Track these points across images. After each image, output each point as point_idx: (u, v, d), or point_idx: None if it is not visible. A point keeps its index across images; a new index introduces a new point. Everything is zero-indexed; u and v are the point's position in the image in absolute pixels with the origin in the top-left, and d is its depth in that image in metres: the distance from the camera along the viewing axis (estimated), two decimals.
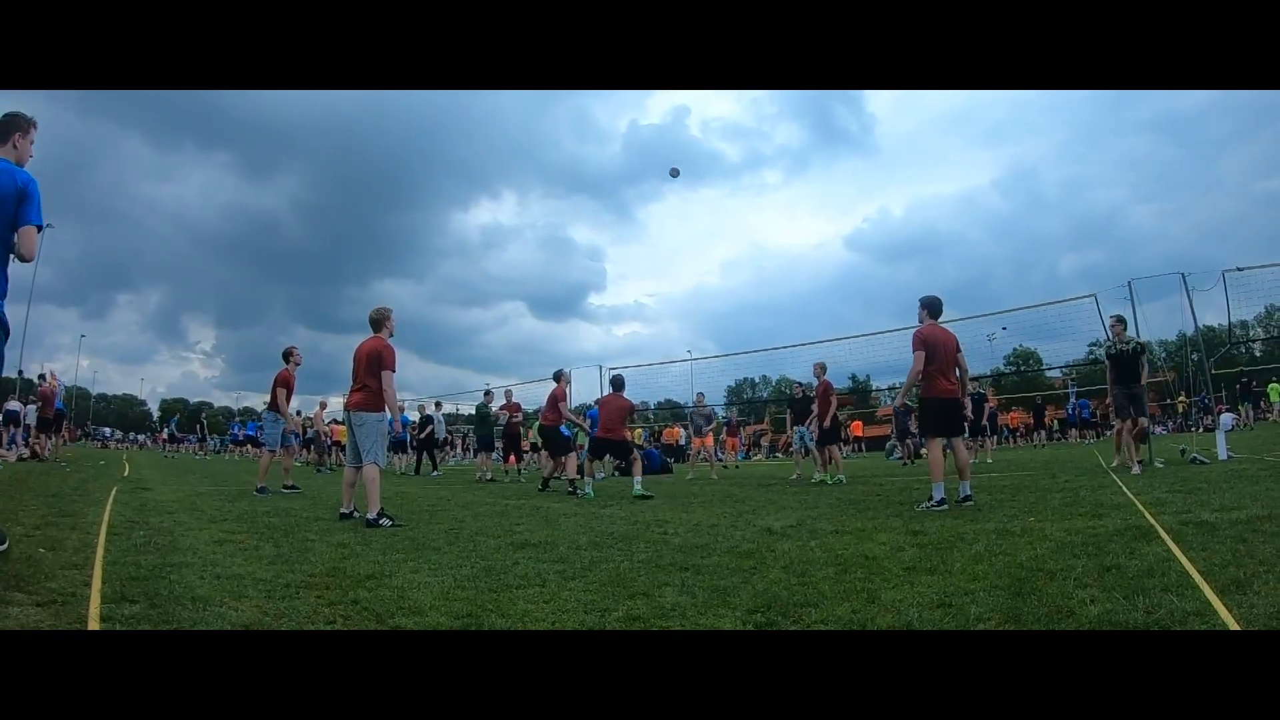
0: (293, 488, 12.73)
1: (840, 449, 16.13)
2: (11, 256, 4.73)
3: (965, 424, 16.62)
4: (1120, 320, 12.82)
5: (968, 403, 16.84)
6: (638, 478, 12.87)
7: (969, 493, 8.63)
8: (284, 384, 12.85)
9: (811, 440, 15.81)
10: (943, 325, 9.28)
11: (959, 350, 9.23)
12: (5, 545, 5.42)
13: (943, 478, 8.56)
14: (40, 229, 4.77)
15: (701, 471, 19.28)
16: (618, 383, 14.32)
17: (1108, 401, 15.28)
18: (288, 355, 13.02)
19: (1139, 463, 11.96)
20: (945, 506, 8.30)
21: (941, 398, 8.97)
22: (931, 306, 9.30)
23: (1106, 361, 13.05)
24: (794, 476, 16.12)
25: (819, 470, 15.30)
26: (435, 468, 22.72)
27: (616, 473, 13.45)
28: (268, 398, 13.34)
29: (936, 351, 8.90)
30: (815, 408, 15.56)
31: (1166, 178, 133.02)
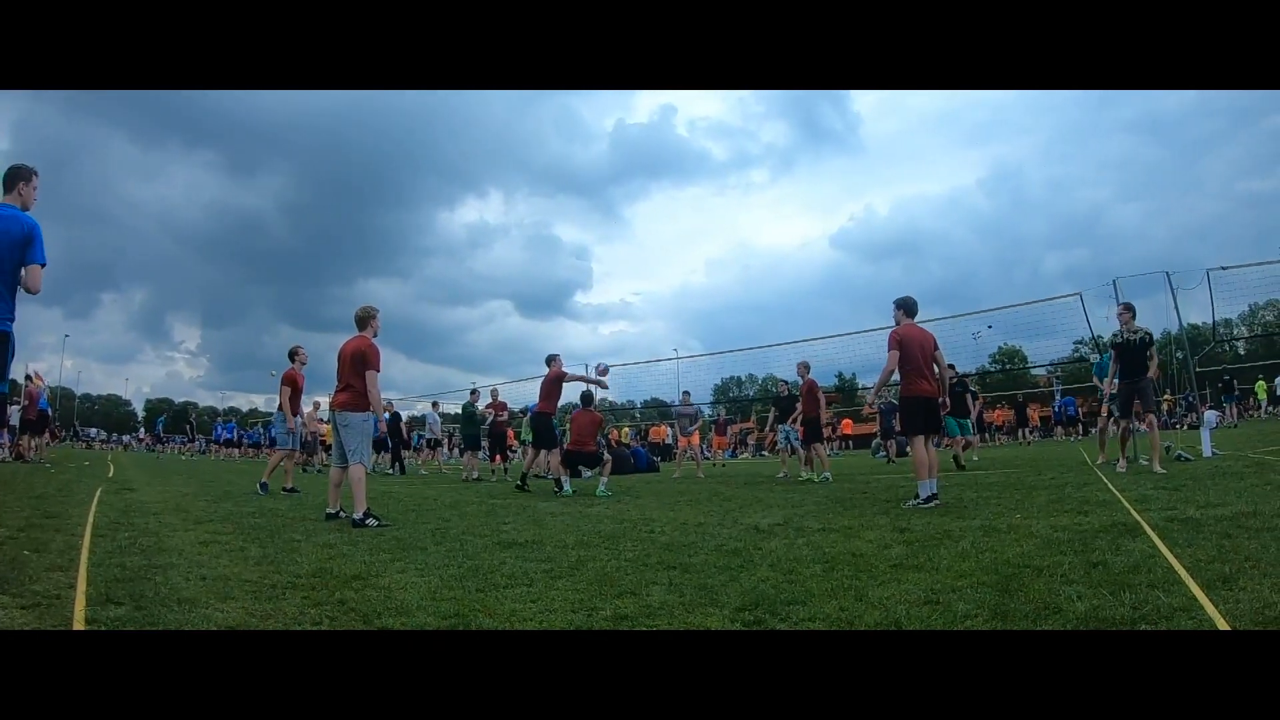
0: (292, 490, 12.61)
1: (825, 447, 16.12)
2: (20, 288, 5.34)
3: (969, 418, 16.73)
4: (1128, 308, 11.79)
5: (968, 401, 16.83)
6: (604, 478, 12.97)
7: (934, 490, 8.62)
8: (288, 383, 12.75)
9: (797, 439, 15.85)
10: (921, 325, 9.32)
11: (937, 349, 9.26)
12: None
13: (928, 475, 8.60)
14: (44, 266, 5.40)
15: (688, 470, 19.27)
16: (587, 398, 14.48)
17: (1103, 395, 14.53)
18: (293, 355, 12.91)
19: (1124, 459, 11.80)
20: (933, 503, 8.34)
21: (921, 396, 9.00)
22: (907, 306, 9.33)
23: (1111, 351, 12.13)
24: (780, 475, 16.16)
25: (805, 468, 15.39)
26: (394, 465, 22.39)
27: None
28: (255, 397, 13.29)
29: (912, 350, 8.96)
30: (800, 406, 15.59)
31: (1150, 178, 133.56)
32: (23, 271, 5.32)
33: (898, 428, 18.62)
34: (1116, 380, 11.76)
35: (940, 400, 9.32)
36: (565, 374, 14.39)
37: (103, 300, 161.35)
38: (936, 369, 9.23)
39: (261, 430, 45.54)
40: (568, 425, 14.54)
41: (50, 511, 8.05)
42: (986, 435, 30.71)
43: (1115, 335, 11.87)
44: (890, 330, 9.31)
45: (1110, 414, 13.85)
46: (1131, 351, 11.45)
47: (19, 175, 5.51)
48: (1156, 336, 11.31)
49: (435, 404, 27.74)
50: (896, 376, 9.26)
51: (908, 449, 10.43)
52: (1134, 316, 11.67)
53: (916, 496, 8.57)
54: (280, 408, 13.09)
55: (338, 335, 9.42)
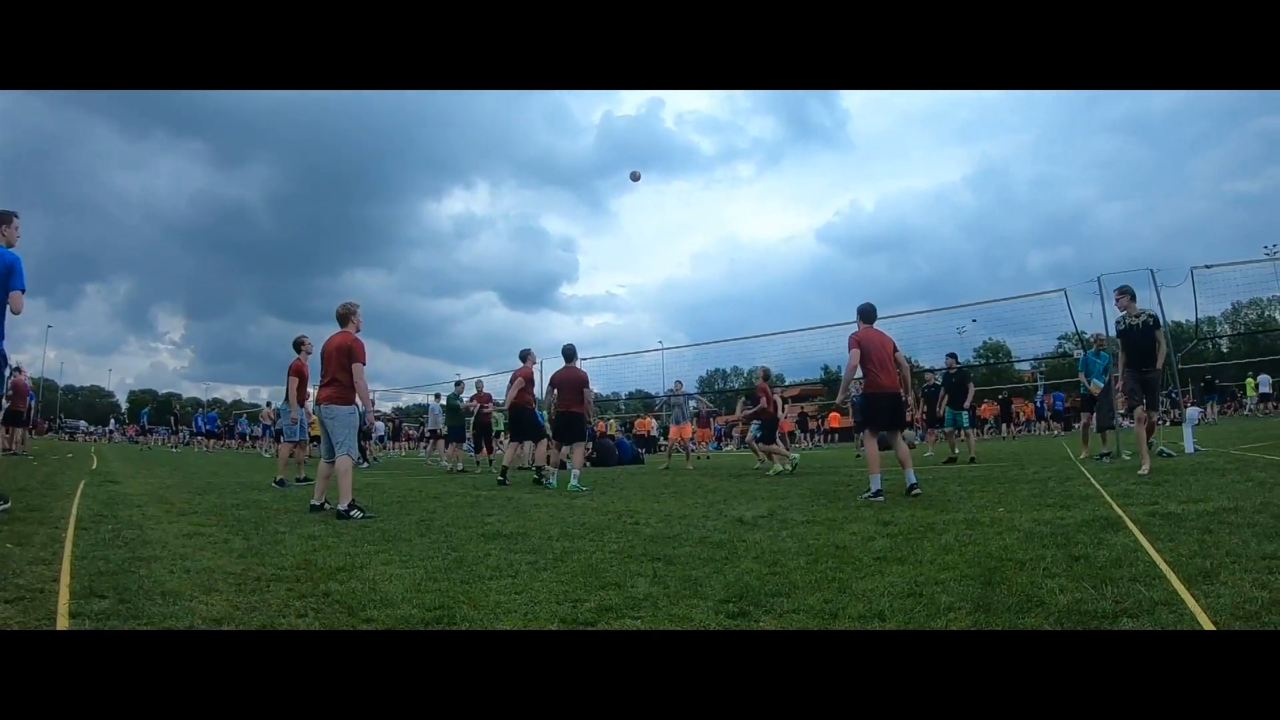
0: (293, 482, 12.52)
1: (780, 444, 16.36)
2: (8, 310, 6.68)
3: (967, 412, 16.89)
4: (1124, 292, 10.81)
5: (968, 390, 16.96)
6: (576, 469, 12.32)
7: (914, 480, 8.84)
8: (295, 374, 12.65)
9: (759, 433, 16.16)
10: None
11: (896, 350, 9.55)
12: (8, 505, 7.29)
13: (879, 469, 8.83)
14: (24, 291, 6.79)
15: (677, 462, 19.30)
16: (569, 353, 13.28)
17: (1085, 391, 14.05)
18: (298, 345, 12.77)
19: (1147, 459, 10.15)
20: (882, 498, 8.51)
21: (883, 392, 9.26)
22: (863, 313, 9.67)
23: (1118, 340, 10.94)
24: (756, 466, 16.36)
25: (768, 460, 15.89)
26: (365, 459, 22.07)
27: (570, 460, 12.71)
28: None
29: (871, 351, 9.25)
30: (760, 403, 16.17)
31: (1136, 177, 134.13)
32: (8, 298, 6.64)
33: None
34: (1123, 371, 10.77)
35: (904, 398, 9.65)
36: (515, 381, 14.26)
37: (87, 291, 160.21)
38: (898, 369, 9.49)
39: (247, 422, 45.39)
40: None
41: (33, 504, 8.01)
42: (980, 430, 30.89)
43: (1119, 322, 10.88)
44: (850, 333, 9.60)
45: (1092, 410, 13.92)
46: (1136, 337, 10.52)
47: (1, 219, 6.87)
48: None
49: (437, 395, 27.66)
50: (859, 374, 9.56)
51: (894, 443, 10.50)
52: (1134, 300, 10.81)
53: (869, 489, 8.75)
54: (287, 399, 13.02)
55: (324, 327, 9.38)
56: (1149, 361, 10.38)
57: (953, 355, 17.80)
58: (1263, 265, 23.01)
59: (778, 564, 4.97)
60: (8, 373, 6.78)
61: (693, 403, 22.71)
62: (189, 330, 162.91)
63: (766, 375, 16.79)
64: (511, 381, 14.30)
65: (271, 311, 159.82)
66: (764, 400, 15.86)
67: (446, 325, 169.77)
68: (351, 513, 7.90)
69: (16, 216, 7.00)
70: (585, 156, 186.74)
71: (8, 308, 6.68)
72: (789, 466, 14.89)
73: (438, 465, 20.88)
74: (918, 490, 8.64)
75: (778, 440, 16.28)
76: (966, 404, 16.81)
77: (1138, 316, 10.56)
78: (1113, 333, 11.30)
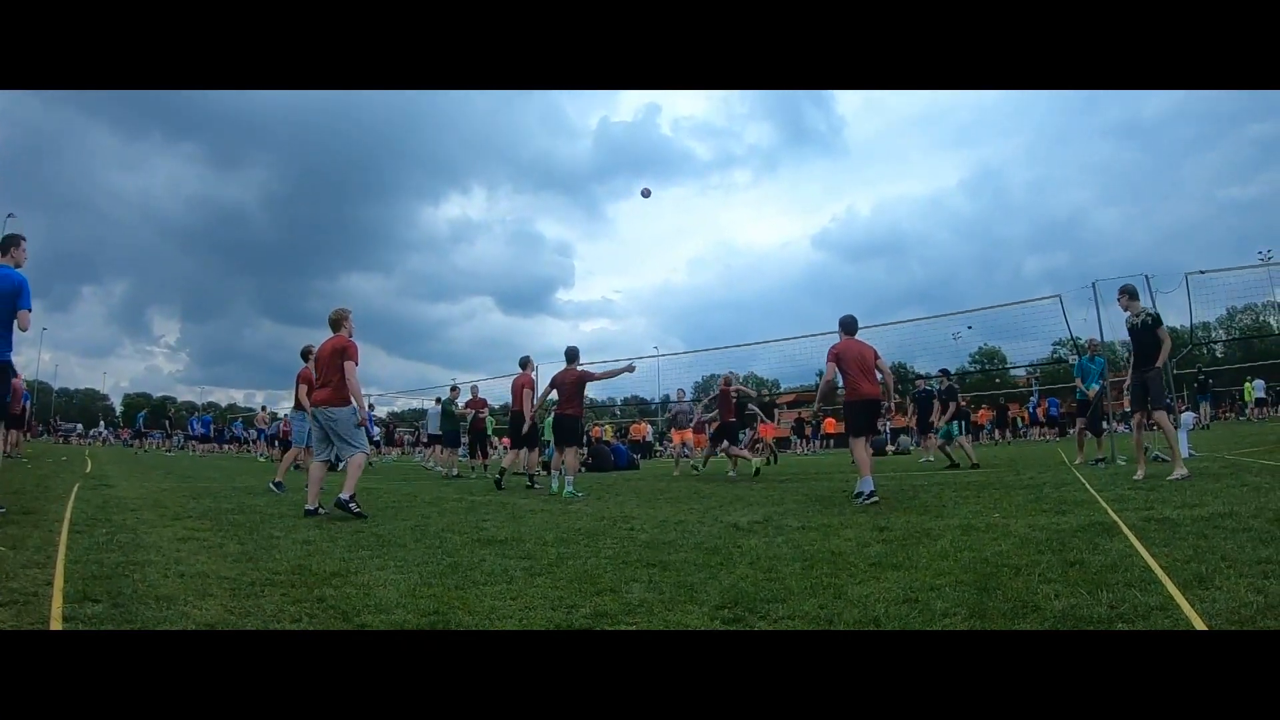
0: (278, 485, 12.50)
1: (739, 447, 16.66)
2: (15, 327, 7.18)
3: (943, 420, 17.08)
4: (1125, 291, 10.53)
5: (956, 408, 17.25)
6: (570, 475, 12.14)
7: (872, 487, 9.03)
8: (304, 381, 12.65)
9: (742, 438, 16.40)
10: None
11: (877, 358, 9.78)
12: (3, 509, 7.36)
13: (870, 472, 9.03)
14: (29, 311, 7.23)
15: (670, 467, 19.33)
16: (571, 354, 12.99)
17: (1081, 395, 14.05)
18: (306, 354, 12.76)
19: (1142, 466, 10.43)
20: (875, 499, 8.67)
21: (863, 400, 9.63)
22: (844, 325, 10.01)
23: (1130, 341, 10.63)
24: (730, 473, 16.44)
25: (748, 459, 16.24)
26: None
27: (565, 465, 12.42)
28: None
29: (850, 361, 9.56)
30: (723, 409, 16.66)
31: (1131, 182, 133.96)
32: (15, 316, 7.10)
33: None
34: (1132, 371, 10.46)
35: (886, 403, 10.15)
36: (528, 388, 14.29)
37: (82, 293, 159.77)
38: (881, 376, 9.84)
39: (242, 425, 45.31)
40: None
41: (27, 508, 7.99)
42: (975, 436, 31.03)
43: (1126, 322, 10.54)
44: (830, 346, 9.97)
45: (1088, 415, 13.97)
46: (1138, 336, 10.28)
47: (10, 242, 7.42)
48: None
49: (438, 400, 27.66)
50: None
51: (887, 448, 10.58)
52: (1134, 299, 10.52)
53: (860, 493, 8.92)
54: (298, 406, 13.00)
55: (319, 331, 9.35)
56: (1150, 361, 10.18)
57: (944, 371, 18.89)
58: (1257, 270, 23.13)
59: (773, 570, 4.97)
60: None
61: (688, 409, 22.81)
62: (185, 333, 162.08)
63: (729, 381, 17.17)
64: (518, 392, 14.32)
65: (268, 315, 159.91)
66: (726, 405, 16.20)
67: (442, 329, 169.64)
68: (350, 504, 8.09)
69: (24, 239, 7.54)
70: (582, 161, 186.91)
71: (14, 324, 7.17)
72: (700, 468, 16.54)
73: (433, 471, 20.85)
74: (875, 499, 8.87)
75: (726, 443, 16.57)
76: (955, 419, 17.16)
77: (1138, 315, 10.37)
78: (1108, 338, 11.39)
